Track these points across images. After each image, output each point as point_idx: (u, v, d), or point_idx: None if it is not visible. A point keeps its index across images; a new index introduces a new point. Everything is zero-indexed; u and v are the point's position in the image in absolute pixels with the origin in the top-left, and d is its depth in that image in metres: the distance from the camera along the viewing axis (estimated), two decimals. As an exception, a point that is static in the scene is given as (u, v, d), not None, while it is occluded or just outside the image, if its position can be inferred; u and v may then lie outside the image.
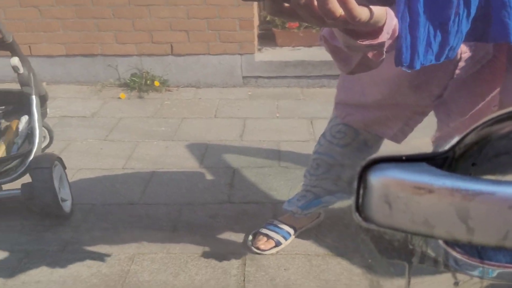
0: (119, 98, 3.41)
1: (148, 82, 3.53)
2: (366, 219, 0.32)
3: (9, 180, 1.84)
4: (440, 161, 0.31)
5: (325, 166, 1.57)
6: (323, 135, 1.58)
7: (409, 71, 0.75)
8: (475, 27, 0.76)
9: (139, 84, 3.52)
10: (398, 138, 1.40)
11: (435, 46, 0.74)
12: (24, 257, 1.71)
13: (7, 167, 1.89)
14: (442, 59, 0.76)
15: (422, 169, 0.29)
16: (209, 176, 2.29)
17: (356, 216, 0.32)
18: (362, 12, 0.53)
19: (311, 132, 2.83)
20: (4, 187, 1.92)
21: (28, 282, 1.59)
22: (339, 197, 1.67)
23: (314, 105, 3.27)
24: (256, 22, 3.62)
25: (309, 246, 1.76)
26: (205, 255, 1.71)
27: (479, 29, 0.77)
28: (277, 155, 2.53)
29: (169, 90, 3.59)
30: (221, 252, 1.73)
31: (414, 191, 0.29)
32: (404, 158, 0.30)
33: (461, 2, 0.71)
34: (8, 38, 1.93)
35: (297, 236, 1.79)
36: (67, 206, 1.94)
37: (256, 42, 3.69)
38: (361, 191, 0.31)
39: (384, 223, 0.31)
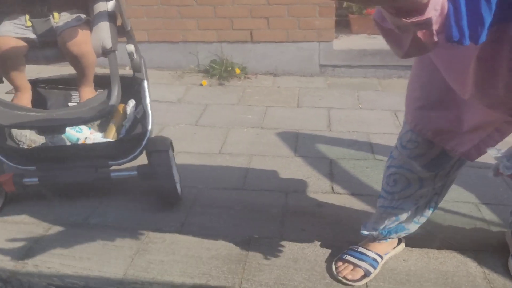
0: (201, 84, 3.47)
1: (229, 69, 3.57)
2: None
3: (126, 161, 1.91)
4: None
5: (403, 182, 1.43)
6: (395, 146, 1.44)
7: (461, 46, 0.74)
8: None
9: (219, 71, 3.57)
10: (471, 155, 1.26)
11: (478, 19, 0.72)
12: (145, 237, 1.78)
13: (123, 148, 1.96)
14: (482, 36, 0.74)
15: None
16: (306, 165, 2.31)
17: None
18: None
19: (397, 125, 2.80)
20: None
21: (153, 261, 1.66)
22: (420, 222, 1.57)
23: (394, 96, 3.23)
24: (334, 8, 3.59)
25: (422, 241, 1.74)
26: (322, 243, 1.73)
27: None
28: (369, 148, 2.52)
29: (248, 78, 3.63)
30: (336, 240, 1.75)
31: None
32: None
33: None
34: (127, 25, 2.00)
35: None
36: (178, 188, 2.00)
37: (334, 29, 3.66)
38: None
39: None
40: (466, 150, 1.26)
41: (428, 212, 1.56)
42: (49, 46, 1.94)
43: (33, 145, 1.99)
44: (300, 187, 2.11)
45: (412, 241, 1.71)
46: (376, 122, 2.85)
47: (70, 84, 2.40)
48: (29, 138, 2.01)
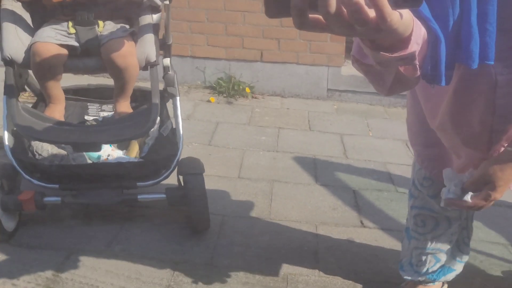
0: (209, 101, 3.39)
1: (236, 87, 3.51)
2: None
3: (155, 182, 1.81)
4: None
5: (432, 222, 1.39)
6: (413, 183, 1.41)
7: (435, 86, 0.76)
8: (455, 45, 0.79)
9: (227, 89, 3.50)
10: None
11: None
12: (174, 270, 1.68)
13: (151, 168, 1.87)
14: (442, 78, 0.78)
15: None
16: (330, 195, 2.25)
17: None
18: (392, 13, 0.50)
19: (411, 156, 2.78)
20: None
21: (186, 294, 1.57)
22: (464, 260, 1.53)
23: (403, 126, 3.19)
24: (345, 35, 3.58)
25: (462, 284, 1.71)
26: (361, 281, 1.67)
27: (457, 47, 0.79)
28: (389, 179, 2.48)
29: (255, 97, 3.57)
30: (374, 279, 1.69)
31: None
32: None
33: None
34: (169, 39, 1.93)
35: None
36: (206, 215, 1.91)
37: (344, 55, 3.66)
38: None
39: None
40: None
41: (467, 249, 1.54)
42: (90, 55, 1.83)
43: (55, 161, 1.87)
44: (329, 219, 2.05)
45: (451, 283, 1.67)
46: (390, 152, 2.83)
47: (88, 95, 2.29)
48: (51, 153, 1.88)
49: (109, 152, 2.04)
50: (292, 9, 0.50)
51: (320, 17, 0.51)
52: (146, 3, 1.88)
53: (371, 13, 0.50)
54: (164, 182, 1.83)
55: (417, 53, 0.65)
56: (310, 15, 0.51)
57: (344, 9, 0.49)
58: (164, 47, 1.96)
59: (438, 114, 1.05)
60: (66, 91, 2.23)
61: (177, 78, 2.06)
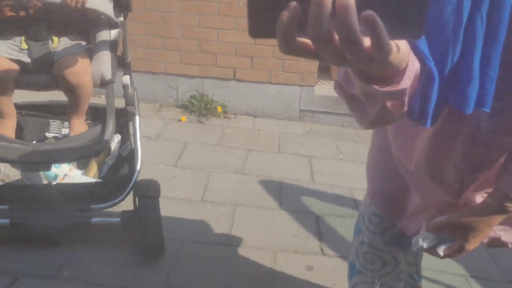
0: (180, 120, 3.36)
1: (208, 106, 3.49)
2: None
3: (110, 205, 1.77)
4: None
5: (379, 261, 1.32)
6: (362, 217, 1.33)
7: (422, 127, 0.73)
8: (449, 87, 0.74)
9: (199, 108, 3.47)
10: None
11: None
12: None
13: (107, 190, 1.82)
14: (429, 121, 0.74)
15: None
16: (293, 221, 2.23)
17: None
18: (389, 43, 0.45)
19: (379, 180, 2.78)
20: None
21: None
22: None
23: (373, 149, 3.23)
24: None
25: None
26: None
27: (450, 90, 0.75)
28: (354, 204, 2.47)
29: (227, 117, 3.55)
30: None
31: None
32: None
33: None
34: (127, 56, 1.90)
35: None
36: (162, 240, 1.86)
37: (316, 74, 3.66)
38: None
39: None
40: (414, 231, 1.17)
41: (419, 284, 1.51)
42: (42, 71, 1.77)
43: (7, 180, 1.81)
44: (289, 246, 2.02)
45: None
46: (358, 177, 2.81)
47: (49, 111, 2.24)
48: (3, 172, 1.83)
49: (66, 172, 1.99)
50: (278, 32, 0.45)
51: (308, 42, 0.46)
52: (103, 19, 1.85)
53: (366, 41, 0.45)
54: (124, 204, 1.79)
55: (408, 89, 0.60)
56: (298, 38, 0.46)
57: (335, 35, 0.44)
58: (122, 64, 1.92)
59: (413, 151, 1.00)
60: (26, 106, 2.18)
61: (138, 96, 2.02)
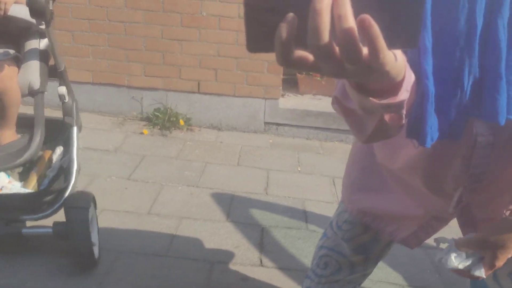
0: (142, 133, 3.37)
1: (172, 119, 3.50)
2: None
3: (42, 216, 1.78)
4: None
5: (334, 266, 1.34)
6: (330, 224, 1.35)
7: (421, 147, 0.71)
8: (470, 99, 0.72)
9: (162, 120, 3.49)
10: (409, 243, 1.18)
11: (440, 120, 0.71)
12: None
13: (40, 202, 1.83)
14: (446, 135, 0.73)
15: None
16: (237, 232, 2.24)
17: None
18: (386, 50, 0.46)
19: (334, 193, 2.80)
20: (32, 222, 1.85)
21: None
22: None
23: (334, 162, 3.26)
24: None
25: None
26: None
27: (473, 102, 0.72)
28: (303, 216, 2.48)
29: (191, 130, 3.56)
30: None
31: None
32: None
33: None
34: (60, 66, 1.91)
35: None
36: (95, 251, 1.87)
37: (281, 87, 3.69)
38: None
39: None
40: (405, 237, 1.19)
41: None
42: None
43: None
44: (227, 258, 2.03)
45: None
46: (313, 188, 2.84)
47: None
48: None
49: (4, 184, 1.99)
50: (277, 43, 0.45)
51: (307, 54, 0.47)
52: (33, 28, 1.86)
53: (364, 50, 0.46)
54: (58, 214, 1.79)
55: (405, 102, 0.60)
56: (296, 51, 0.46)
57: (335, 45, 0.45)
58: (56, 74, 1.92)
59: (398, 158, 1.00)
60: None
61: (77, 106, 2.02)
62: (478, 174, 0.91)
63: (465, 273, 0.95)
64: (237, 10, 3.42)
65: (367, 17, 0.43)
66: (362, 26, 0.43)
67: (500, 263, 0.94)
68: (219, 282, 1.86)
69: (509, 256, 0.94)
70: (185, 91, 3.62)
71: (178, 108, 3.61)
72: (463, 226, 1.03)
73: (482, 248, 0.94)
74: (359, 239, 1.29)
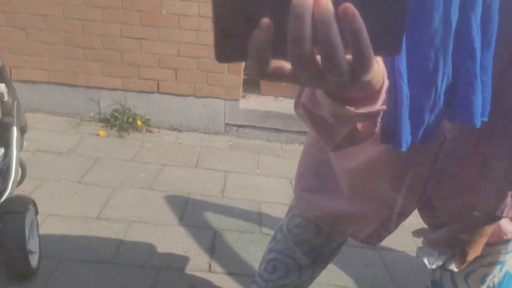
0: (98, 135, 3.29)
1: (130, 120, 3.43)
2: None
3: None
4: None
5: (282, 270, 1.30)
6: (281, 227, 1.30)
7: (395, 151, 0.69)
8: (445, 101, 0.70)
9: (120, 121, 3.41)
10: (372, 240, 1.15)
11: (414, 123, 0.70)
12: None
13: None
14: (419, 139, 0.71)
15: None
16: (189, 237, 2.19)
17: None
18: (370, 47, 0.42)
19: (291, 195, 2.76)
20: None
21: None
22: None
23: (294, 164, 3.20)
24: (243, 67, 3.58)
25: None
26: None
27: (448, 104, 0.71)
28: (258, 219, 2.45)
29: (150, 131, 3.50)
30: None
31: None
32: None
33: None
34: (-4, 62, 1.82)
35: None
36: (34, 259, 1.79)
37: (241, 88, 3.65)
38: None
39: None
40: (366, 236, 1.15)
41: None
42: None
43: None
44: (175, 263, 1.98)
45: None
46: (270, 191, 2.81)
47: None
48: None
49: None
50: (251, 53, 0.40)
51: (284, 63, 0.42)
52: None
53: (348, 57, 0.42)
54: None
55: (383, 110, 0.56)
56: (272, 61, 0.41)
57: (316, 55, 0.41)
58: (-9, 72, 1.84)
59: (354, 156, 0.97)
60: None
61: (19, 106, 1.95)
62: (443, 168, 0.91)
63: (442, 268, 1.02)
64: (197, 8, 3.37)
65: (350, 5, 0.38)
66: (345, 16, 0.39)
67: (471, 257, 0.99)
68: (165, 289, 1.82)
69: (478, 249, 0.98)
70: (144, 91, 3.55)
71: (137, 108, 3.54)
72: (424, 218, 1.09)
73: (452, 245, 0.99)
74: (310, 242, 1.26)
